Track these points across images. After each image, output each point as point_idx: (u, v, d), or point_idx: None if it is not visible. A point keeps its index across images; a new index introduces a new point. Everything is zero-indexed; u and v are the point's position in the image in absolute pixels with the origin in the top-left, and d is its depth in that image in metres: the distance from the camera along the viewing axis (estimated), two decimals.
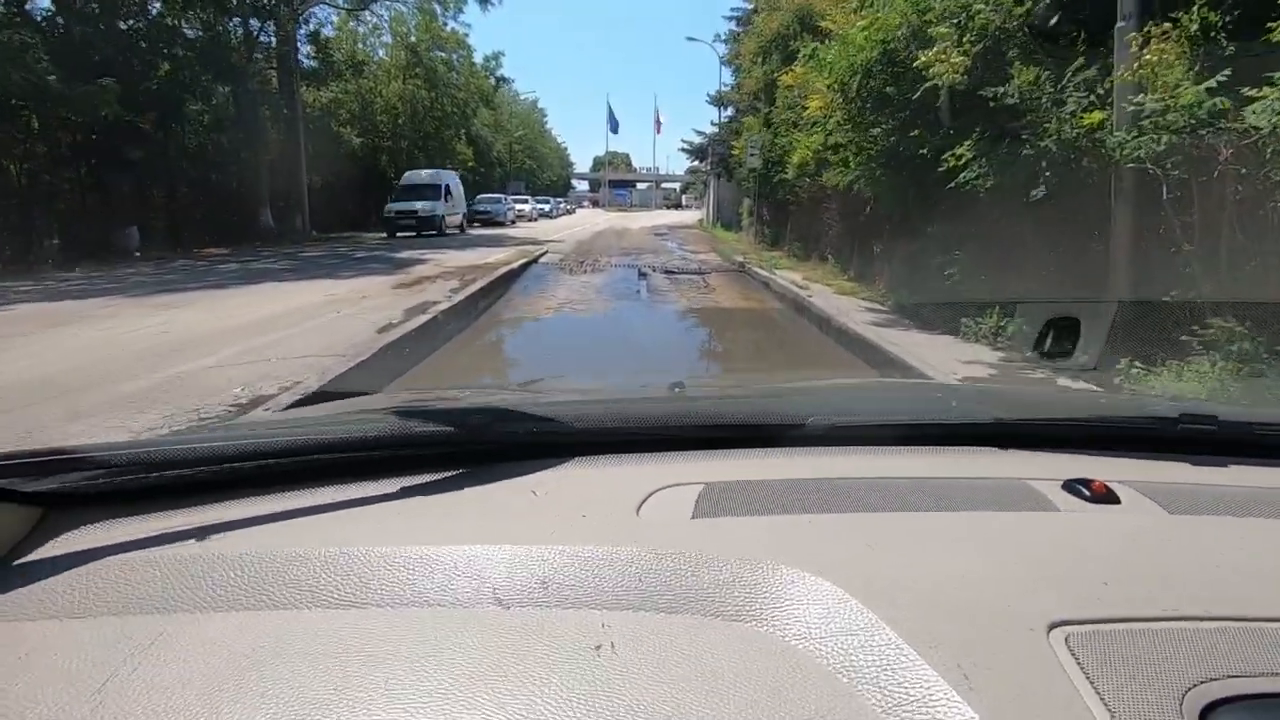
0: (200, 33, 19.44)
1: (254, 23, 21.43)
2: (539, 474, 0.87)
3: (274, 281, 10.58)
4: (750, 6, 23.07)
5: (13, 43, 12.78)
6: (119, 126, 15.43)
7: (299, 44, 23.30)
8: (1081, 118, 4.93)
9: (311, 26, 24.16)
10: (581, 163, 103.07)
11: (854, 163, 8.08)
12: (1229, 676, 0.51)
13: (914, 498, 0.81)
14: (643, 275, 13.06)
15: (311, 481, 0.83)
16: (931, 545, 0.70)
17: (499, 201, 33.26)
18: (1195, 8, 4.42)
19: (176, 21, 18.89)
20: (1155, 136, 4.33)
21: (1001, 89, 5.47)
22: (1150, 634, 0.55)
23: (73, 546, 0.71)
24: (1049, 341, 4.53)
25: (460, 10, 30.24)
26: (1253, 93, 3.91)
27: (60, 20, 16.17)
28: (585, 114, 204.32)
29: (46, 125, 15.06)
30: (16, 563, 0.69)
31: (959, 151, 5.89)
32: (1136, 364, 4.36)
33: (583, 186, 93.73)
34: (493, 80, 37.82)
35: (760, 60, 17.75)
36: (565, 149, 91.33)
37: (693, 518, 0.76)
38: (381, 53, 31.18)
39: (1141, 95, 4.52)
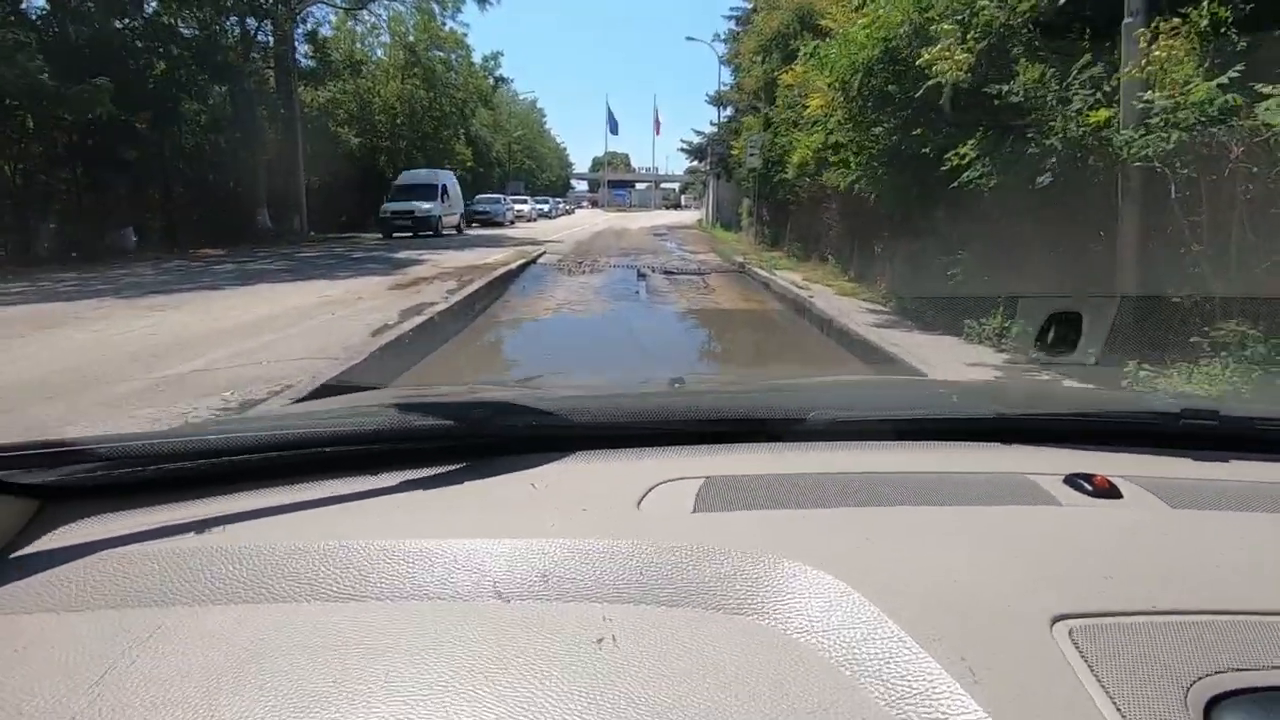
0: (196, 32, 19.32)
1: (251, 22, 21.34)
2: (540, 468, 0.87)
3: (269, 282, 10.49)
4: (750, 5, 23.01)
5: (7, 41, 12.68)
6: (115, 126, 15.34)
7: (296, 43, 23.23)
8: (1087, 115, 4.84)
9: (309, 26, 24.06)
10: (581, 163, 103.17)
11: (855, 162, 8.00)
12: (1234, 670, 0.51)
13: (916, 492, 0.81)
14: (642, 276, 12.99)
15: (311, 475, 0.83)
16: (934, 539, 0.70)
17: (497, 202, 33.22)
18: (1205, 2, 4.33)
19: (172, 20, 18.80)
20: (1164, 134, 4.24)
21: (1006, 87, 5.38)
22: (1154, 628, 0.55)
23: (70, 539, 0.71)
24: (1051, 336, 4.44)
25: (458, 10, 30.27)
26: (1266, 89, 3.82)
27: (55, 19, 16.07)
28: (584, 114, 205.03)
29: (41, 125, 14.96)
30: (13, 555, 0.69)
31: (962, 150, 5.81)
32: (1145, 366, 4.27)
33: (582, 187, 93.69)
34: (491, 80, 37.66)
35: (760, 59, 17.70)
36: (564, 149, 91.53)
37: (694, 512, 0.75)
38: (380, 52, 31.14)
39: (1150, 92, 4.44)
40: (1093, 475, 0.82)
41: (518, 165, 54.15)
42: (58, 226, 15.69)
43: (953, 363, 5.42)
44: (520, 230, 28.35)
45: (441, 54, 32.26)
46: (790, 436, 0.98)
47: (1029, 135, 5.26)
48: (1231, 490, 0.84)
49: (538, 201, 46.74)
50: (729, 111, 26.12)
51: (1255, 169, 4.06)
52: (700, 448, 0.94)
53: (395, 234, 21.78)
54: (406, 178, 24.04)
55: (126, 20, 17.48)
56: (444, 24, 31.01)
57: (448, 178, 24.97)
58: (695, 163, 37.90)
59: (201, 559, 0.66)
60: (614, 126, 74.88)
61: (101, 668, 0.54)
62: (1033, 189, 5.18)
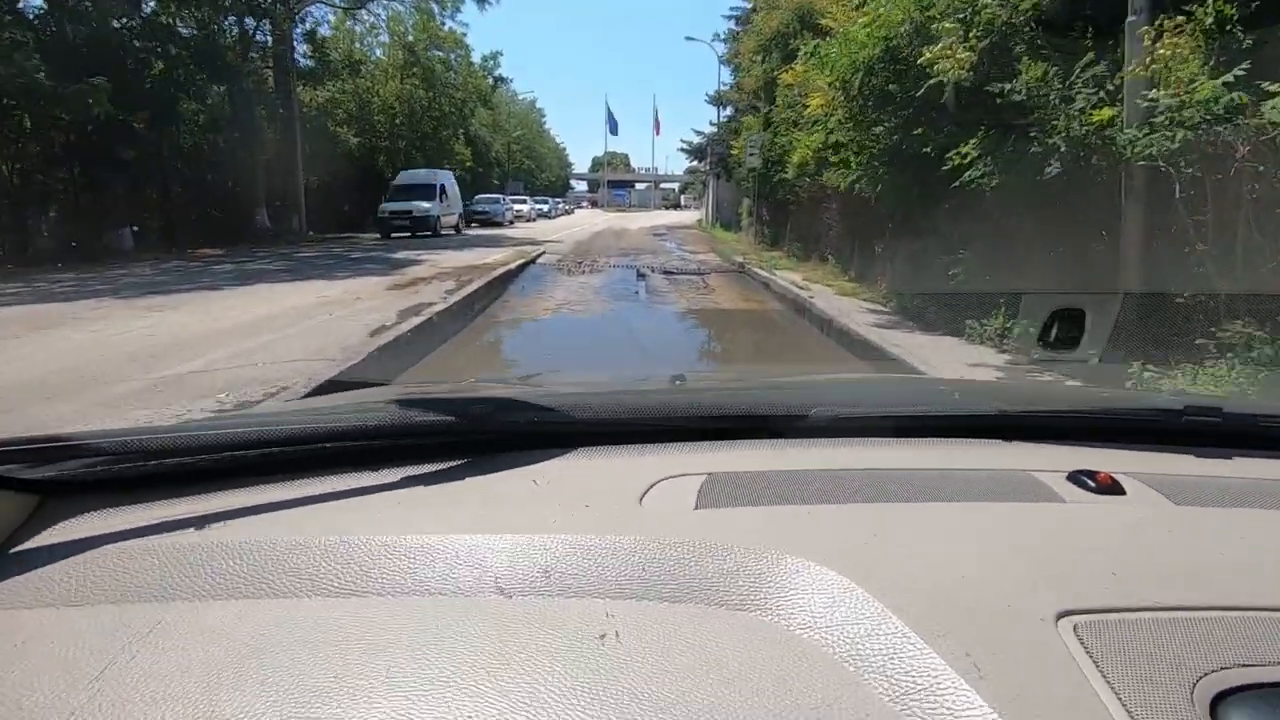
0: (195, 31, 19.27)
1: (249, 21, 21.28)
2: (541, 464, 0.86)
3: (268, 283, 10.45)
4: (750, 5, 22.96)
5: (4, 41, 12.65)
6: (112, 126, 15.27)
7: (295, 43, 23.16)
8: (1091, 114, 4.81)
9: (308, 25, 23.95)
10: (580, 163, 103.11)
11: (855, 162, 7.96)
12: (1239, 665, 0.51)
13: (918, 489, 0.80)
14: (641, 276, 12.96)
15: (312, 470, 0.82)
16: (937, 535, 0.70)
17: (497, 202, 33.20)
18: (1210, 0, 4.30)
19: (171, 20, 18.74)
20: (1169, 133, 4.21)
21: (1008, 85, 5.34)
22: (1158, 623, 0.55)
23: (70, 534, 0.71)
24: (1053, 336, 4.41)
25: (458, 10, 30.17)
26: (1272, 87, 3.79)
27: (52, 18, 16.01)
28: (584, 114, 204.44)
29: (39, 124, 14.93)
30: (13, 550, 0.69)
31: (964, 149, 5.77)
32: (1149, 368, 4.24)
33: (581, 187, 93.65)
34: (491, 80, 37.60)
35: (760, 59, 17.67)
36: (564, 149, 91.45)
37: (696, 508, 0.75)
38: (379, 52, 31.07)
39: (1154, 91, 4.40)
40: (1096, 472, 0.82)
41: (517, 165, 54.09)
42: (55, 227, 15.65)
43: (954, 363, 5.39)
44: (519, 230, 28.30)
45: (440, 54, 32.21)
46: (792, 433, 0.98)
47: (1031, 134, 5.23)
48: (1235, 487, 0.84)
49: (537, 202, 46.70)
50: (729, 111, 26.11)
51: (1261, 168, 4.03)
52: (702, 444, 0.94)
53: (393, 234, 21.70)
54: (405, 178, 23.97)
55: (124, 20, 17.42)
56: (443, 24, 30.99)
57: (446, 178, 24.90)
58: (695, 163, 37.89)
59: (202, 554, 0.66)
60: (614, 126, 74.89)
61: (101, 663, 0.54)
62: (1039, 180, 5.14)
